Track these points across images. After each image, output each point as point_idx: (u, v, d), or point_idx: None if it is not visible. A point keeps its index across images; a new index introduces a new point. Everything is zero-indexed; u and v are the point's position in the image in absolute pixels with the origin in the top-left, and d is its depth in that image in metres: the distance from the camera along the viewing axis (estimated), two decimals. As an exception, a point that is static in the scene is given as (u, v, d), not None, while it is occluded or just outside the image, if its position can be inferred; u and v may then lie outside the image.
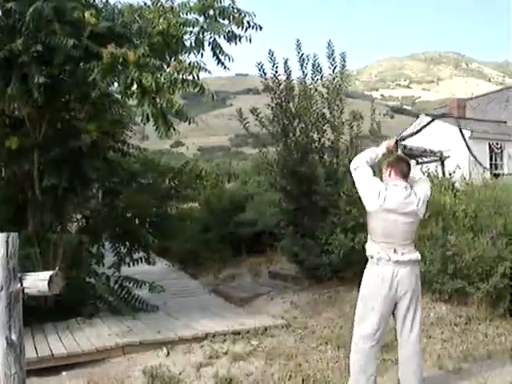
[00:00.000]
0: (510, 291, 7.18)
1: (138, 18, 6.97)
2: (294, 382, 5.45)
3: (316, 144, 9.79)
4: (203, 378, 5.75)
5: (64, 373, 6.00)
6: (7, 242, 3.32)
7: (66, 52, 6.44)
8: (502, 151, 24.92)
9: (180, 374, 5.84)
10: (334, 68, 9.76)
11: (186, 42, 6.95)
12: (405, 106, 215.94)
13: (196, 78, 6.66)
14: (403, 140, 5.24)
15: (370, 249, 4.70)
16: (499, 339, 6.57)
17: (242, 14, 6.79)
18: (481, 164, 10.31)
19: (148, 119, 6.62)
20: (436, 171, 9.44)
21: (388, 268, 4.55)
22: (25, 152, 7.52)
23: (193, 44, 6.95)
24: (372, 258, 4.66)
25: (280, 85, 9.80)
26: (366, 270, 4.76)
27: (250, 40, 6.88)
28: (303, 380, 5.45)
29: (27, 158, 7.65)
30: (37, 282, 3.36)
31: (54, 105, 7.62)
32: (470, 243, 7.39)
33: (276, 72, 9.77)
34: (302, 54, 9.72)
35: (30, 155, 7.62)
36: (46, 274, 3.34)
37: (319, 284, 9.20)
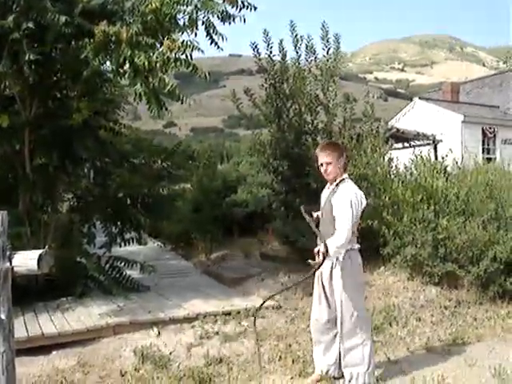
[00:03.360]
0: (499, 275, 7.22)
1: (130, -4, 6.87)
2: (284, 362, 5.48)
3: (309, 126, 9.76)
4: (194, 357, 5.78)
5: (54, 352, 6.00)
6: (-4, 220, 3.29)
7: (57, 29, 6.36)
8: (494, 136, 25.01)
9: (170, 353, 5.86)
10: (328, 50, 9.69)
11: (179, 21, 6.85)
12: (398, 89, 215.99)
13: (189, 57, 6.59)
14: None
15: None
16: (488, 322, 6.63)
17: (237, -6, 6.70)
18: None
19: (140, 99, 6.56)
20: (428, 155, 9.46)
21: None
22: (15, 130, 7.44)
23: (186, 23, 6.84)
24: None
25: (274, 66, 9.74)
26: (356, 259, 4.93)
27: (244, 20, 6.79)
28: (293, 361, 5.48)
29: (18, 137, 7.59)
30: (26, 260, 3.33)
31: (45, 83, 7.52)
32: (461, 227, 7.43)
33: (270, 53, 9.69)
34: (296, 35, 9.63)
35: (21, 134, 7.55)
36: (36, 253, 3.30)
37: (310, 265, 9.19)
